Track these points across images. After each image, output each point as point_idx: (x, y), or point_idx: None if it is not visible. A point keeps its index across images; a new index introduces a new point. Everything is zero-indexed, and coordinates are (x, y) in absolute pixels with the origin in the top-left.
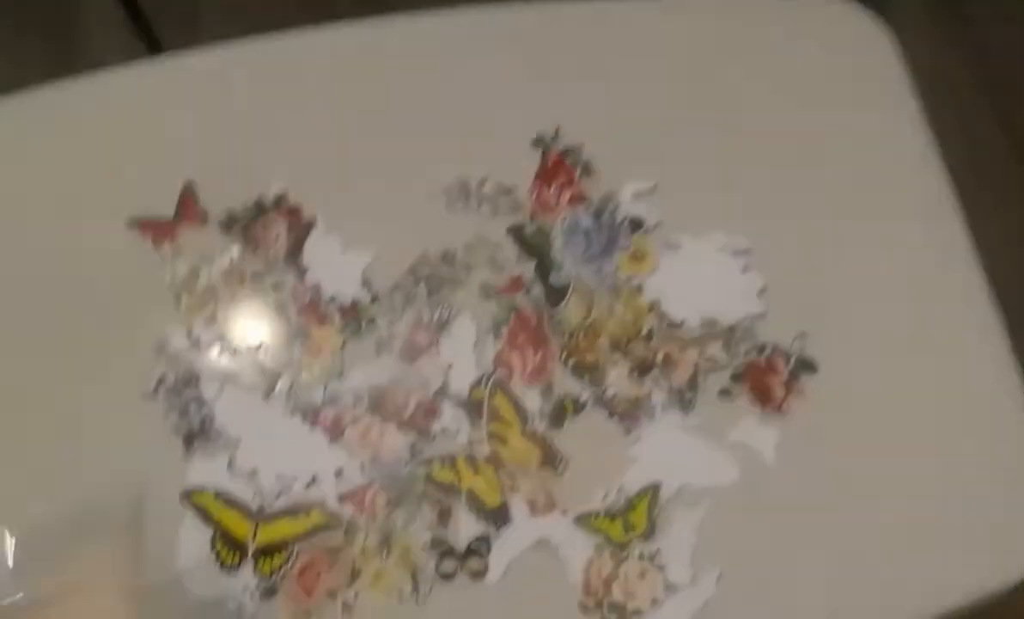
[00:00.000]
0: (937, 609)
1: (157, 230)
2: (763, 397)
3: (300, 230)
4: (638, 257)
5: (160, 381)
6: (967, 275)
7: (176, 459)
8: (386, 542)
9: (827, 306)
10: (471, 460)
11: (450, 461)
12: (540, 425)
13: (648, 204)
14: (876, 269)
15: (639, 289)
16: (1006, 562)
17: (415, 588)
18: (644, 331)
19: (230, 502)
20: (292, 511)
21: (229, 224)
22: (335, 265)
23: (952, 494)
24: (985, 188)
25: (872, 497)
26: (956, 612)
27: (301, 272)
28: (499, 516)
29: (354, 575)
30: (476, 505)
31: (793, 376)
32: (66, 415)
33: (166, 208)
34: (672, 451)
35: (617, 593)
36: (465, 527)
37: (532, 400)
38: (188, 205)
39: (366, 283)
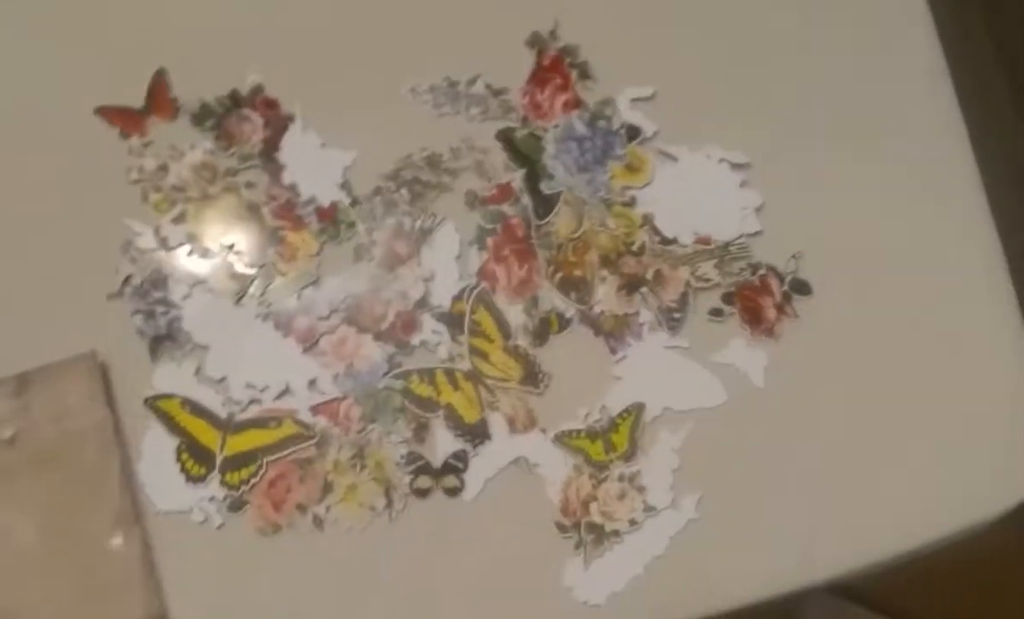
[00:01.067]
0: (919, 539)
1: (125, 120)
2: (754, 318)
3: (277, 126)
4: (633, 168)
5: (126, 281)
6: (971, 200)
7: (142, 364)
8: (359, 456)
9: (825, 227)
10: (450, 374)
11: (429, 375)
12: (523, 341)
13: (645, 112)
14: (877, 192)
15: (632, 202)
16: (993, 493)
17: (388, 504)
18: (635, 246)
19: (197, 410)
20: (262, 421)
21: (202, 117)
22: (314, 164)
23: (939, 424)
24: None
25: (859, 424)
26: (938, 542)
27: (277, 171)
28: (477, 432)
29: (326, 489)
30: (454, 421)
31: (786, 298)
32: (25, 313)
33: (135, 98)
34: (658, 372)
35: (595, 514)
36: (442, 443)
37: (516, 315)
38: (159, 95)
39: (346, 185)
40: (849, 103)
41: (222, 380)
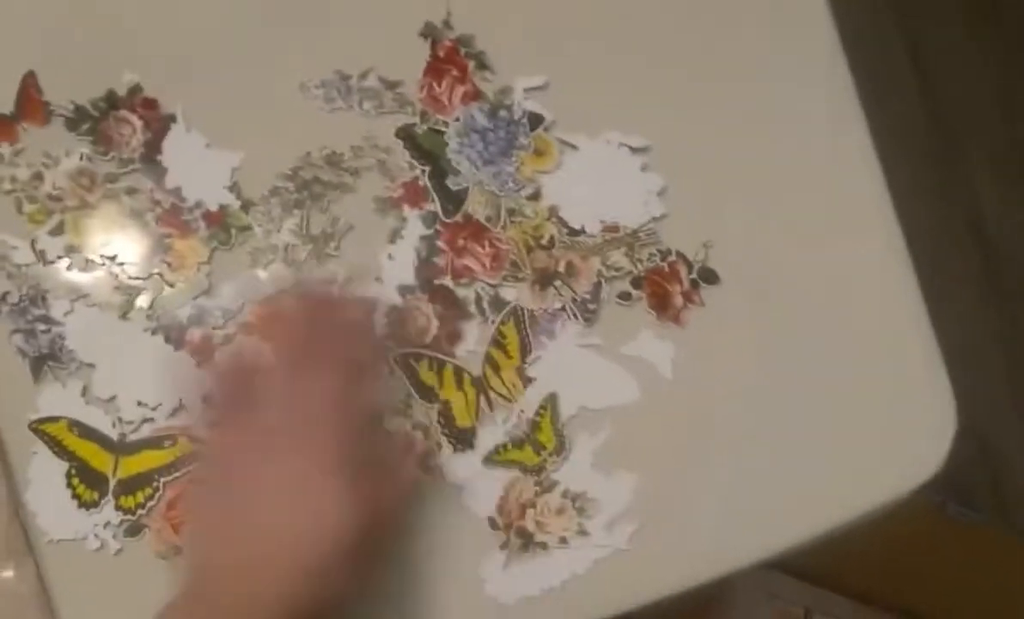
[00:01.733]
0: (833, 521)
1: None
2: (661, 304)
3: (158, 127)
4: (539, 154)
5: (2, 299)
6: (871, 187)
7: (24, 386)
8: None
9: (729, 211)
10: (459, 373)
11: (439, 365)
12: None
13: (542, 102)
14: (778, 174)
15: (537, 195)
16: (903, 472)
17: None
18: (544, 240)
19: (86, 432)
20: (156, 441)
21: (77, 121)
22: (199, 166)
23: (848, 407)
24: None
25: (769, 410)
26: (854, 522)
27: (160, 175)
28: (463, 439)
29: None
30: (447, 419)
31: (694, 286)
32: None
33: (3, 103)
34: (572, 370)
35: (529, 521)
36: None
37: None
38: (29, 99)
39: (235, 187)
40: (749, 84)
41: (111, 399)
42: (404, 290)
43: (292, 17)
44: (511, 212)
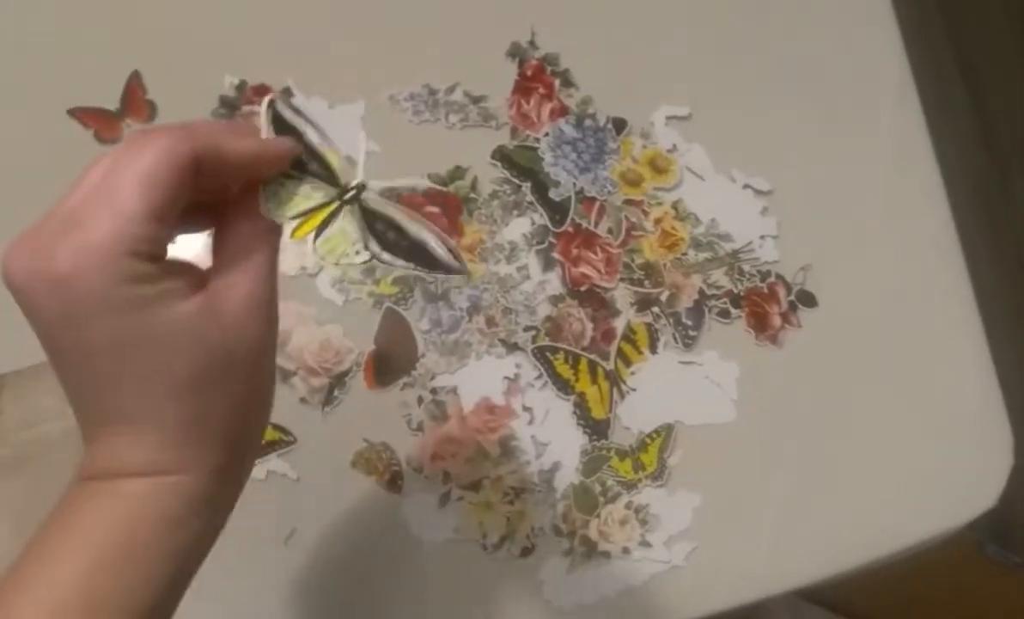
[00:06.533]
0: (882, 552)
1: (100, 122)
2: (760, 324)
3: None
4: (660, 171)
5: None
6: (938, 222)
7: None
8: None
9: (823, 239)
10: (593, 367)
11: (574, 359)
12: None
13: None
14: (861, 207)
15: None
16: (957, 506)
17: None
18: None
19: None
20: None
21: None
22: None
23: (906, 437)
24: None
25: (836, 437)
26: (900, 555)
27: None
28: (599, 430)
29: None
30: (582, 411)
31: (792, 307)
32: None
33: (109, 101)
34: (671, 386)
35: (593, 530)
36: None
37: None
38: (134, 97)
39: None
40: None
41: None
42: (555, 300)
43: (382, 31)
44: (632, 226)
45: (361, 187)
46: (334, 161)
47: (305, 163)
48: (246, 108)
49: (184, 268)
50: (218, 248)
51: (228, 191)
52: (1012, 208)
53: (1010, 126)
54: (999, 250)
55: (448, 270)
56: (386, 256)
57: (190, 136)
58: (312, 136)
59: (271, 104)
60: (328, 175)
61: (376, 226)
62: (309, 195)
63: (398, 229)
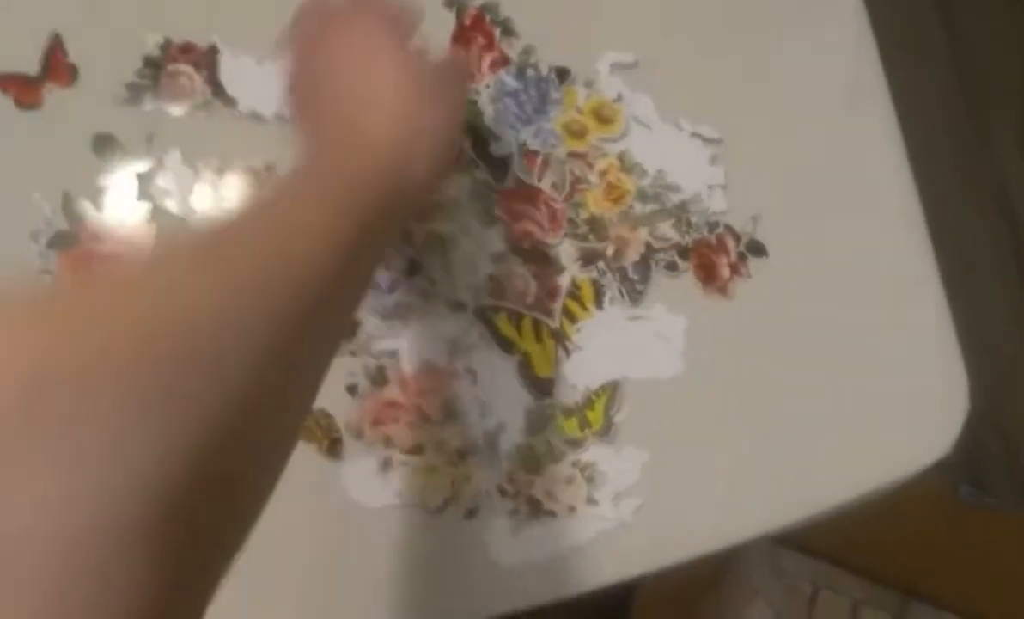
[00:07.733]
0: (839, 499)
1: (19, 87)
2: (708, 276)
3: (207, 62)
4: (605, 121)
5: None
6: (893, 167)
7: None
8: None
9: (771, 188)
10: (537, 326)
11: (516, 318)
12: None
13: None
14: (810, 153)
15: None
16: (912, 452)
17: None
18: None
19: None
20: None
21: (137, 94)
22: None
23: (860, 385)
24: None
25: (789, 386)
26: (869, 496)
27: (232, 102)
28: (544, 388)
29: None
30: (526, 371)
31: (741, 258)
32: None
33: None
34: (617, 341)
35: (538, 489)
36: None
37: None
38: (56, 60)
39: None
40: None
41: None
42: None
43: None
44: (577, 180)
45: None
46: None
47: None
48: (171, 67)
49: None
50: None
51: None
52: (991, 154)
53: (988, 75)
54: (978, 200)
55: None
56: None
57: None
58: None
59: None
60: None
61: None
62: None
63: None
